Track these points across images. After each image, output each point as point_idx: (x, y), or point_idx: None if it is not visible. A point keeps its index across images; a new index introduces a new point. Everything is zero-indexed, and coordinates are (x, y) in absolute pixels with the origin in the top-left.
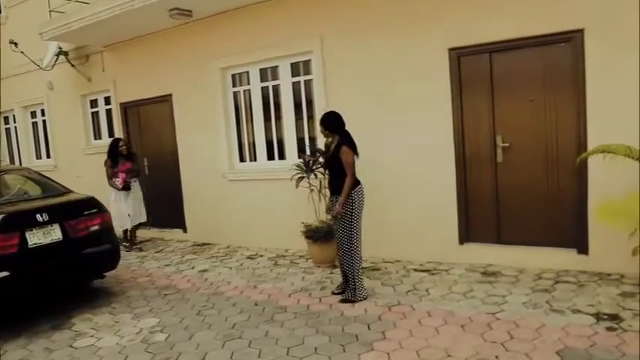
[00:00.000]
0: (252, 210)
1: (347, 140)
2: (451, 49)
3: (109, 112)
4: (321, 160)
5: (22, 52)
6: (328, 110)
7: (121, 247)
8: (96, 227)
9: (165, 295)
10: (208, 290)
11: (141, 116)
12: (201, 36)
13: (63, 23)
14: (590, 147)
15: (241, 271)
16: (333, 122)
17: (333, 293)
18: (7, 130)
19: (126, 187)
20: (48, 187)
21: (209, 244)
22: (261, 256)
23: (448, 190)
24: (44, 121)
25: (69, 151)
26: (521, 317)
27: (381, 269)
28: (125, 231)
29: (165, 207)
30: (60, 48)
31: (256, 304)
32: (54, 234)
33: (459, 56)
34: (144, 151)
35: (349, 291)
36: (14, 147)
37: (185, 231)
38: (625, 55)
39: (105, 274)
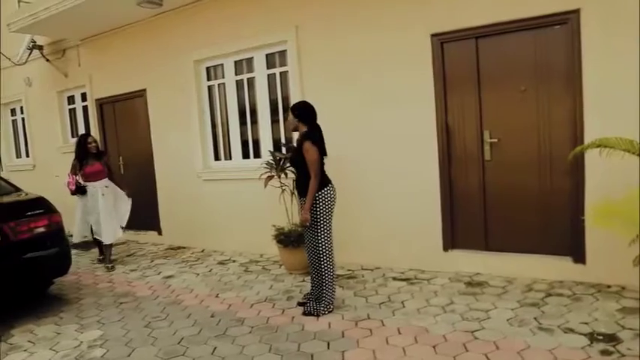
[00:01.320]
0: (227, 212)
1: (311, 135)
2: (434, 35)
3: (85, 109)
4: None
5: None
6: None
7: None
8: (41, 229)
9: (121, 303)
10: (167, 299)
11: (116, 113)
12: (174, 28)
13: (30, 13)
14: (587, 141)
15: (208, 278)
16: (304, 110)
17: (299, 304)
18: None
19: (80, 191)
20: None
21: (184, 247)
22: (234, 261)
23: (431, 191)
24: (23, 119)
25: (46, 150)
26: (503, 337)
27: (358, 277)
28: (99, 244)
29: (141, 208)
30: (34, 42)
31: (212, 316)
32: None
33: (442, 43)
34: (120, 149)
35: (313, 303)
36: None
37: (160, 233)
38: (626, 38)
39: (55, 279)
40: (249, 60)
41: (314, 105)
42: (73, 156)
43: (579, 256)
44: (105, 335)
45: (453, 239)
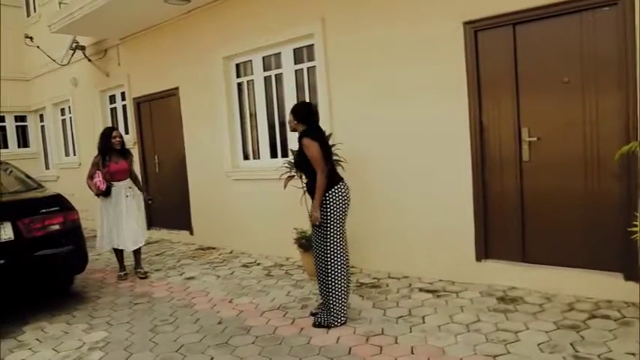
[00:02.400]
0: (255, 213)
1: (309, 132)
2: (466, 23)
3: (125, 108)
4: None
5: (37, 47)
6: (301, 101)
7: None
8: (56, 227)
9: (135, 304)
10: (181, 301)
11: (152, 111)
12: (203, 25)
13: (67, 14)
14: None
15: (227, 281)
16: (302, 111)
17: (311, 314)
18: (42, 128)
19: (106, 192)
20: (18, 183)
21: (213, 248)
22: (258, 264)
23: (463, 195)
24: (71, 119)
25: (91, 149)
26: None
27: (382, 287)
28: (119, 253)
29: (174, 207)
30: (77, 42)
31: (220, 322)
32: (4, 233)
33: (475, 31)
34: (155, 148)
35: (324, 313)
36: (48, 144)
37: (192, 233)
38: None
39: (78, 276)
40: (277, 55)
41: (341, 103)
42: None
43: (632, 273)
44: (109, 337)
45: (486, 249)
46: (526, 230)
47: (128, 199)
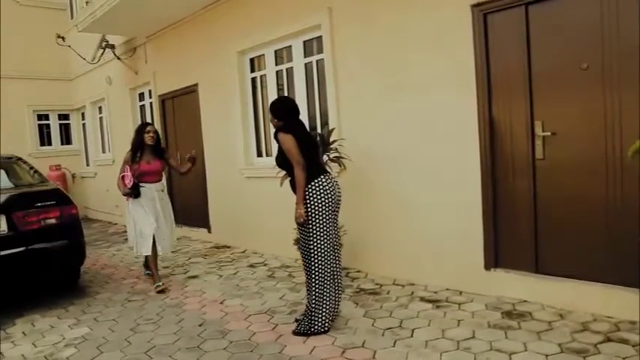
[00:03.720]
0: (267, 212)
1: (284, 127)
2: (474, 5)
3: (152, 106)
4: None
5: (69, 47)
6: (279, 97)
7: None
8: (52, 221)
9: (129, 301)
10: (174, 300)
11: (175, 108)
12: (218, 19)
13: (89, 12)
14: None
15: (227, 282)
16: (277, 106)
17: (296, 320)
18: (84, 126)
19: (134, 192)
20: (21, 177)
21: (228, 246)
22: (265, 264)
23: (472, 196)
24: (106, 116)
25: (123, 145)
26: None
27: (381, 294)
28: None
29: (193, 205)
30: (106, 41)
31: (201, 324)
32: None
33: (485, 14)
34: (178, 145)
35: (306, 320)
36: (88, 141)
37: (210, 231)
38: None
39: (79, 271)
40: (289, 49)
41: (346, 97)
42: None
43: None
44: (89, 334)
45: (496, 257)
46: (539, 237)
47: (161, 203)
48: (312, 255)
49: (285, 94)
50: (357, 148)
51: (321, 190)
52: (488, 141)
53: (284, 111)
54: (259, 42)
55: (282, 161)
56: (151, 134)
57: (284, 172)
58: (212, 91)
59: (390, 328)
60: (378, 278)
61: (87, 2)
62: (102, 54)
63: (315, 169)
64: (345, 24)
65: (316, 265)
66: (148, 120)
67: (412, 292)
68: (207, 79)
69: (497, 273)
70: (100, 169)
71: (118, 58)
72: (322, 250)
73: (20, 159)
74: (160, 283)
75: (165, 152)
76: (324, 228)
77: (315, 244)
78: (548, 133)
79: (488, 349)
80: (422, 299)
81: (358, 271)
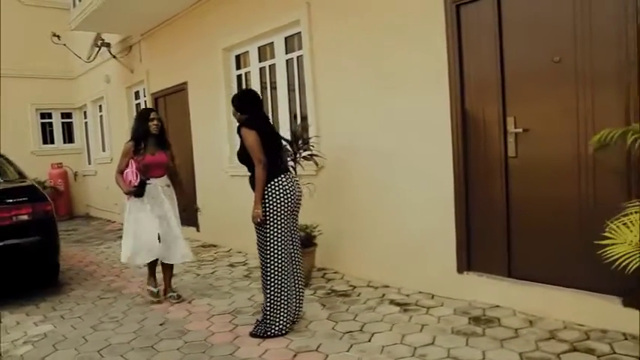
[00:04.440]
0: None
1: (249, 122)
2: None
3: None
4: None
5: (64, 45)
6: (243, 89)
7: (149, 296)
8: (24, 217)
9: (101, 299)
10: (144, 299)
11: (167, 107)
12: (205, 16)
13: (80, 11)
14: None
15: (202, 281)
16: (240, 99)
17: (257, 321)
18: (86, 124)
19: (138, 192)
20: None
21: (215, 245)
22: (245, 264)
23: (445, 195)
24: (105, 115)
25: (120, 144)
26: None
27: (352, 296)
28: (151, 265)
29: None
30: (102, 40)
31: (162, 324)
32: None
33: (457, 6)
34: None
35: (262, 322)
36: (90, 140)
37: (198, 230)
38: None
39: (58, 267)
40: (271, 45)
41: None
42: None
43: (632, 298)
44: (51, 331)
45: (469, 259)
46: (512, 240)
47: (168, 200)
48: (269, 256)
49: (269, 91)
50: (334, 146)
51: (281, 190)
52: (460, 138)
53: (247, 104)
54: (243, 38)
55: (244, 157)
56: (156, 122)
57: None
58: (200, 88)
59: (350, 332)
60: (354, 280)
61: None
62: (97, 52)
63: (276, 167)
64: (323, 19)
65: (273, 266)
66: None
67: (384, 295)
68: (196, 77)
69: (470, 276)
70: (100, 168)
71: (114, 57)
72: (280, 252)
73: (2, 156)
74: (155, 290)
75: (169, 145)
76: (282, 229)
77: (273, 245)
78: (520, 130)
79: (444, 356)
80: (391, 302)
81: (335, 272)
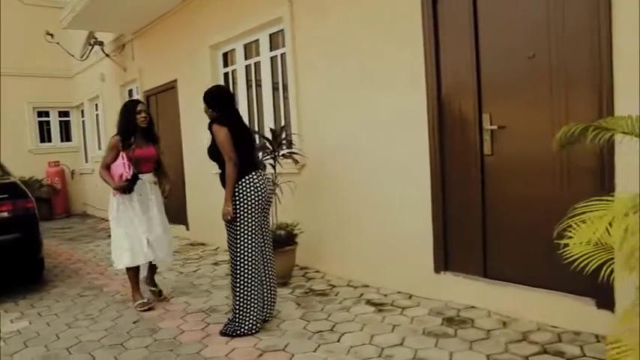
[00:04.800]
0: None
1: (218, 118)
2: None
3: None
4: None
5: (57, 44)
6: (213, 85)
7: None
8: (4, 214)
9: (81, 296)
10: (123, 297)
11: (158, 105)
12: (194, 13)
13: (70, 8)
14: None
15: (184, 279)
16: (210, 96)
17: (229, 319)
18: (83, 123)
19: (129, 187)
20: None
21: (204, 244)
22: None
23: (423, 196)
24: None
25: None
26: None
27: (330, 295)
28: (136, 273)
29: (172, 201)
30: (95, 38)
31: (136, 322)
32: None
33: (434, 1)
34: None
35: (232, 322)
36: (87, 138)
37: (188, 228)
38: None
39: (42, 264)
40: (257, 42)
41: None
42: None
43: (605, 299)
44: (25, 328)
45: (446, 259)
46: (488, 240)
47: (156, 196)
48: (239, 254)
49: (254, 88)
50: (317, 144)
51: (251, 188)
52: (437, 136)
53: (218, 101)
54: (230, 36)
55: (214, 154)
56: (144, 114)
57: None
58: (189, 86)
59: (320, 332)
60: (334, 279)
61: None
62: (90, 51)
63: (247, 165)
64: (305, 16)
65: (243, 265)
66: None
67: (361, 295)
68: (185, 75)
69: (447, 277)
70: (96, 166)
71: (107, 55)
72: (250, 250)
73: None
74: (144, 300)
75: (158, 138)
76: (253, 227)
77: (243, 243)
78: (496, 127)
79: (411, 357)
80: (368, 302)
81: (317, 272)
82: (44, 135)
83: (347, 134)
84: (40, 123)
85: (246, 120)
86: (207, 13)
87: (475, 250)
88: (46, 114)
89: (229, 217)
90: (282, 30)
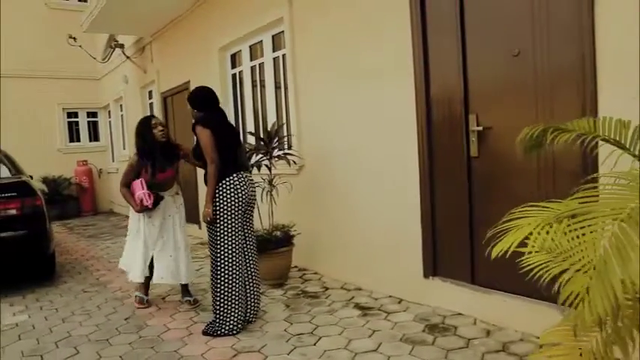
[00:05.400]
0: None
1: (202, 120)
2: None
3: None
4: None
5: (80, 47)
6: (199, 86)
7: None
8: (12, 212)
9: (84, 292)
10: (123, 294)
11: (174, 106)
12: (206, 15)
13: (89, 12)
14: None
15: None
16: (194, 97)
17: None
18: (110, 123)
19: (147, 208)
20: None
21: None
22: None
23: (413, 199)
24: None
25: None
26: None
27: (320, 297)
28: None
29: (186, 200)
30: (116, 40)
31: (127, 318)
32: None
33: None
34: (177, 141)
35: (215, 322)
36: (114, 138)
37: (200, 227)
38: None
39: (54, 260)
40: (261, 44)
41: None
42: None
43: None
44: (23, 322)
45: (435, 264)
46: (475, 245)
47: (178, 212)
48: (220, 256)
49: (259, 89)
50: (315, 145)
51: (232, 189)
52: (426, 138)
53: (202, 102)
54: (235, 37)
55: (199, 155)
56: (160, 128)
57: None
58: None
59: (299, 335)
60: (330, 281)
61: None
62: (111, 53)
63: (228, 166)
64: (304, 16)
65: (224, 266)
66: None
67: (352, 298)
68: (197, 77)
69: (435, 282)
70: (121, 165)
71: (128, 57)
72: (230, 251)
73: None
74: (145, 297)
75: (179, 149)
76: (233, 228)
77: (223, 244)
78: (481, 128)
79: None
80: (355, 306)
81: (314, 273)
82: (73, 135)
83: (344, 135)
84: (70, 123)
85: (251, 121)
86: (217, 16)
87: (463, 255)
88: (75, 115)
89: (209, 219)
90: (283, 31)
